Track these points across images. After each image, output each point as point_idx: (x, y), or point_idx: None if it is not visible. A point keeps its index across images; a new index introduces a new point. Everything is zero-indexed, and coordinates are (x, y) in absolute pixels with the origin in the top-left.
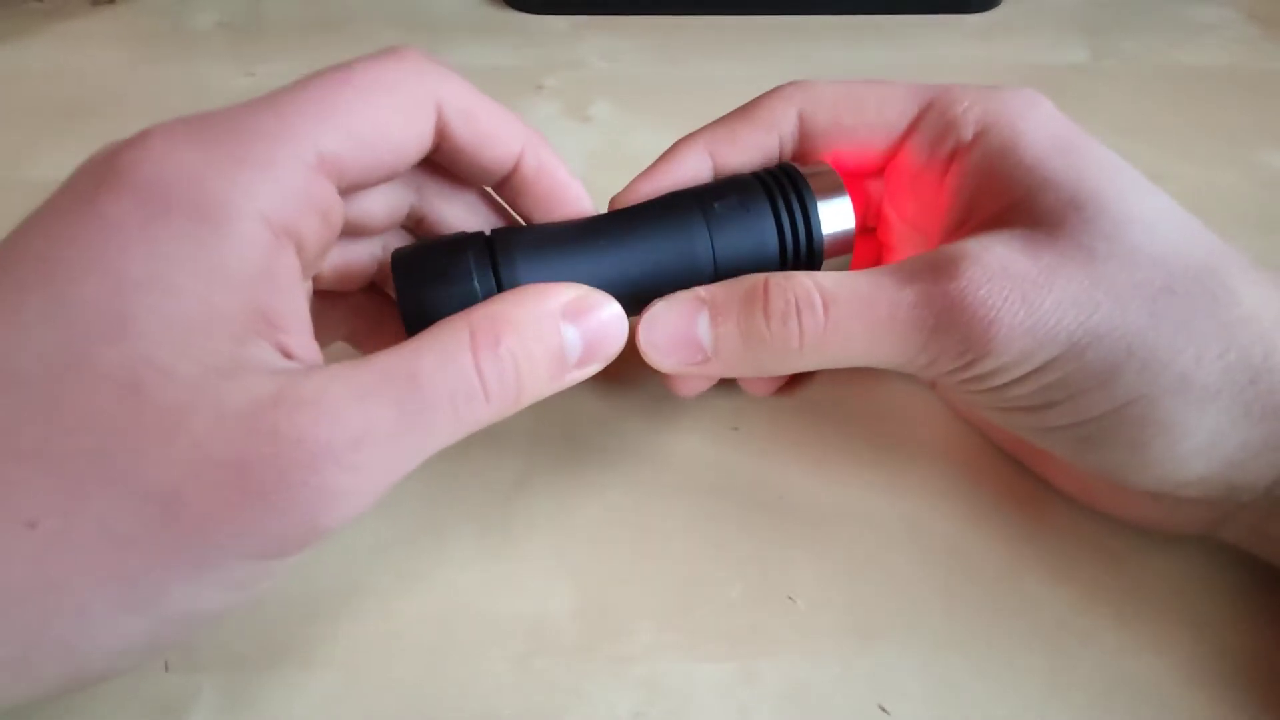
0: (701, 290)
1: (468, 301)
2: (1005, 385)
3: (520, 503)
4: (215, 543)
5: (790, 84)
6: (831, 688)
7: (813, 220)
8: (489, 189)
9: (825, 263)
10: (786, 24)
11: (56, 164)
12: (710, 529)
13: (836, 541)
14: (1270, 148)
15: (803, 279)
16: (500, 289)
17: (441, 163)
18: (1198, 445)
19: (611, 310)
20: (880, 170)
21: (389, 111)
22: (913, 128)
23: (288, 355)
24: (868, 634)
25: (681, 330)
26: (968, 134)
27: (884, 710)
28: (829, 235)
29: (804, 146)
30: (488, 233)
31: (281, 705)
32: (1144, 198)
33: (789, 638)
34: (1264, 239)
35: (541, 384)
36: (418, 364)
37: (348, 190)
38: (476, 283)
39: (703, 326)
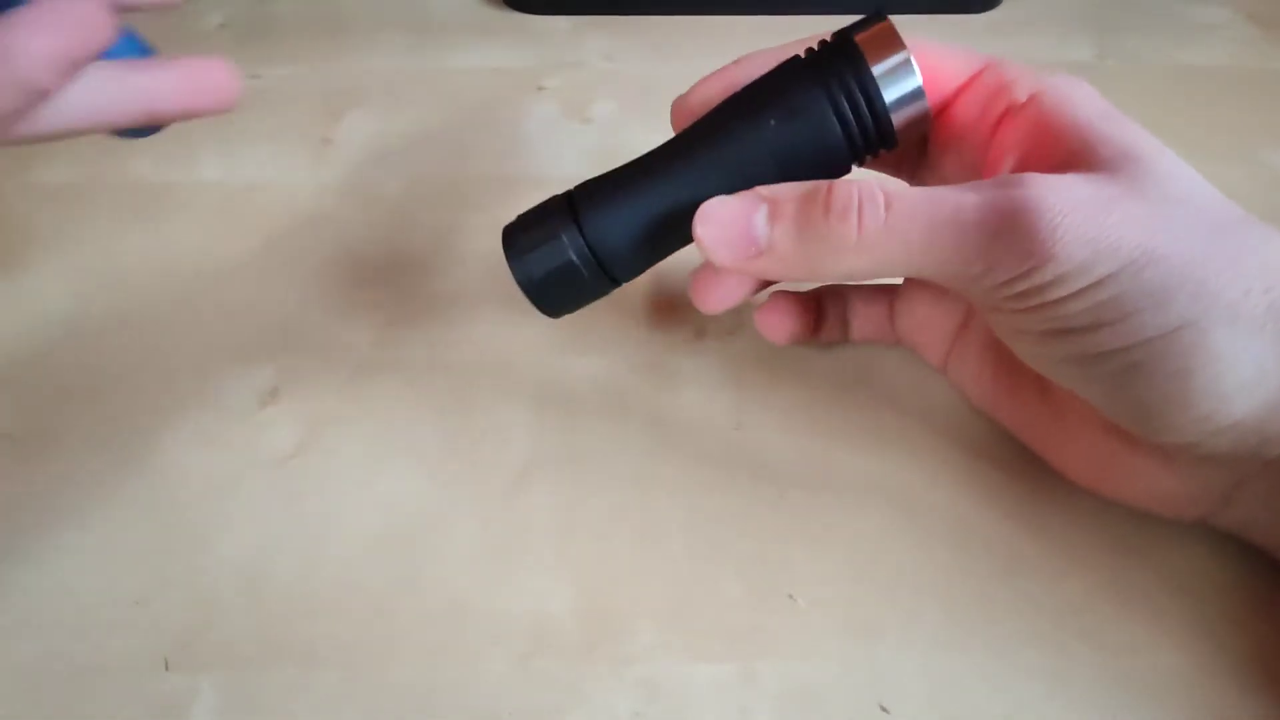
0: (763, 189)
1: (561, 253)
2: (1060, 300)
3: (520, 502)
4: None
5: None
6: (832, 687)
7: (876, 99)
8: None
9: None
10: (787, 24)
11: (59, 166)
12: (711, 528)
13: (837, 540)
14: (1272, 147)
15: (868, 180)
16: (584, 238)
17: None
18: (1242, 380)
19: None
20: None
21: None
22: (968, 83)
23: None
24: (868, 633)
25: (739, 223)
26: (1022, 94)
27: (884, 709)
28: (897, 115)
29: None
30: (572, 189)
31: (282, 705)
32: (1182, 163)
33: (789, 637)
34: None
35: None
36: None
37: None
38: (564, 237)
39: (760, 220)
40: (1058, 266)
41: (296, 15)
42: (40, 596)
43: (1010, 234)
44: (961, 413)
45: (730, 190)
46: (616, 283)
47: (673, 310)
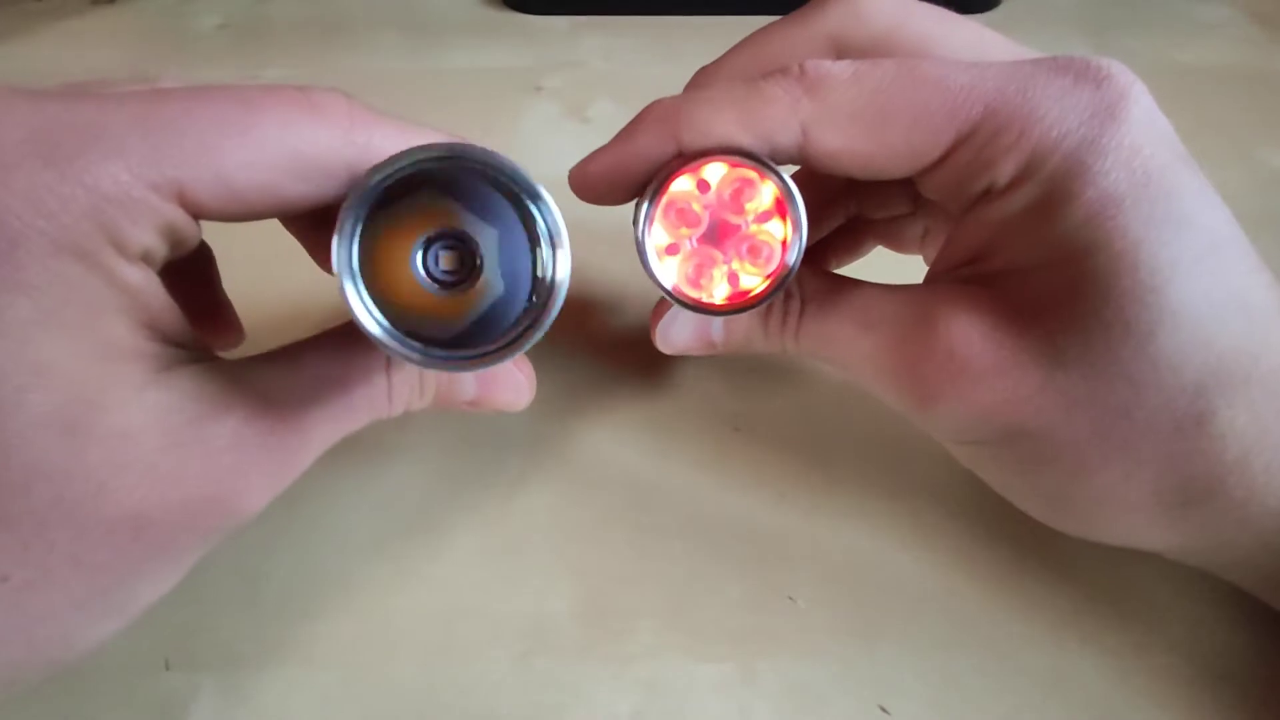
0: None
1: None
2: (943, 439)
3: (520, 502)
4: (182, 545)
5: (795, 75)
6: (832, 687)
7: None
8: None
9: None
10: None
11: None
12: (710, 529)
13: (836, 541)
14: (1271, 146)
15: (792, 285)
16: None
17: None
18: (1119, 536)
19: None
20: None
21: (278, 173)
22: (940, 161)
23: (173, 344)
24: (868, 634)
25: (702, 332)
26: (1004, 177)
27: (884, 710)
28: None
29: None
30: None
31: (281, 704)
32: (1178, 288)
33: (789, 637)
34: (1264, 238)
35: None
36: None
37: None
38: None
39: (716, 325)
40: (935, 421)
41: (294, 16)
42: None
43: (900, 385)
44: None
45: None
46: None
47: None
